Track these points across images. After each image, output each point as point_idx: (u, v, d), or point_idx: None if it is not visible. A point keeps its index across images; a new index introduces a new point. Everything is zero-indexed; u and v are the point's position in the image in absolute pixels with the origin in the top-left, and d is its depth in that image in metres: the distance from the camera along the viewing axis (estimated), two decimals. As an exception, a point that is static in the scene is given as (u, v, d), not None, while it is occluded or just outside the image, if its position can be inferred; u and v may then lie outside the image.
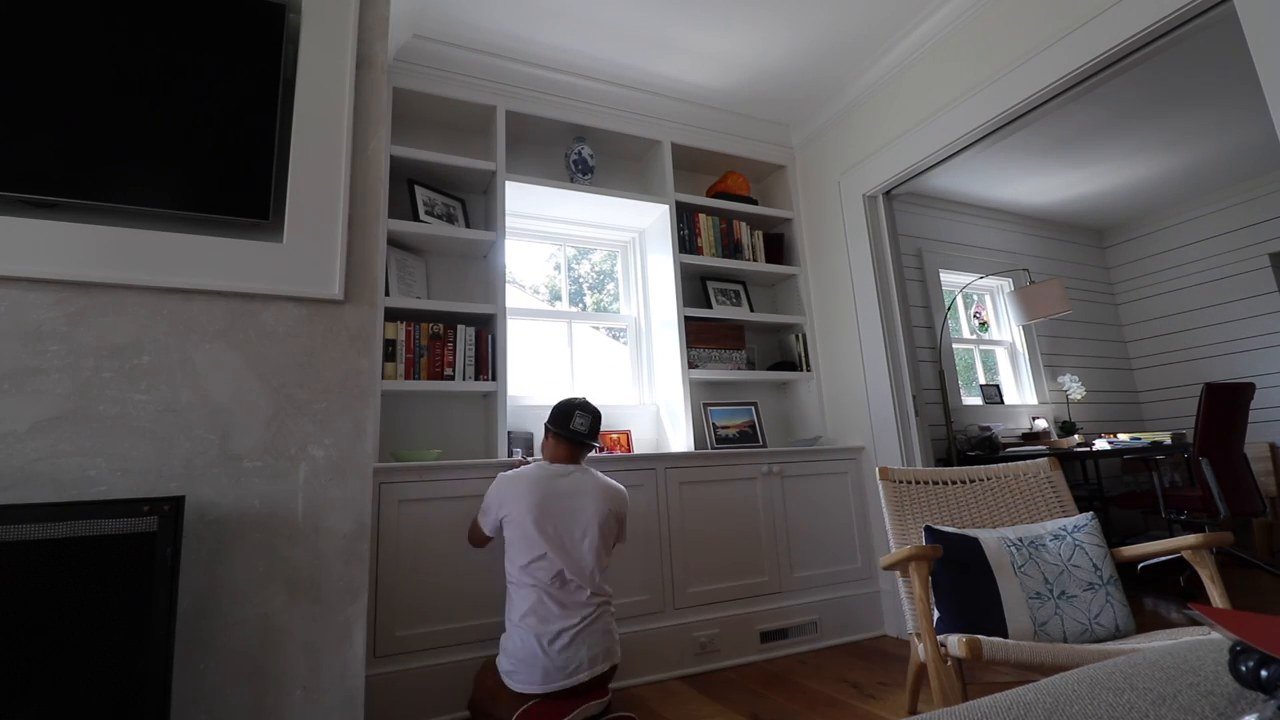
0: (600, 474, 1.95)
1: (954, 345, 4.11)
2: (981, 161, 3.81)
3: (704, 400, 2.92)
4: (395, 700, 1.87)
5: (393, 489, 2.01)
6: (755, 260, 3.13)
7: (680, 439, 2.71)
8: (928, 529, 1.64)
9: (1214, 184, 4.29)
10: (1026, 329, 4.37)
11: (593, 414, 1.95)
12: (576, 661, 1.66)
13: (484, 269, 2.65)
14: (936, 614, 1.53)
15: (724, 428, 2.86)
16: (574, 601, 1.73)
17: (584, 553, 1.78)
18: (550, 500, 1.80)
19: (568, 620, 1.70)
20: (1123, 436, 3.76)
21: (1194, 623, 1.80)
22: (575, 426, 1.90)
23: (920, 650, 1.55)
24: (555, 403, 2.00)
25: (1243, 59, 2.92)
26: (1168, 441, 3.54)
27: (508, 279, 2.54)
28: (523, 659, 1.67)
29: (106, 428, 1.43)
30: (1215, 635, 0.87)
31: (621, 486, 1.96)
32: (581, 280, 3.24)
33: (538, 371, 2.83)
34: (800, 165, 3.30)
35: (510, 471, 1.89)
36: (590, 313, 3.16)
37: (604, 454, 2.43)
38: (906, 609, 1.66)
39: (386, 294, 2.31)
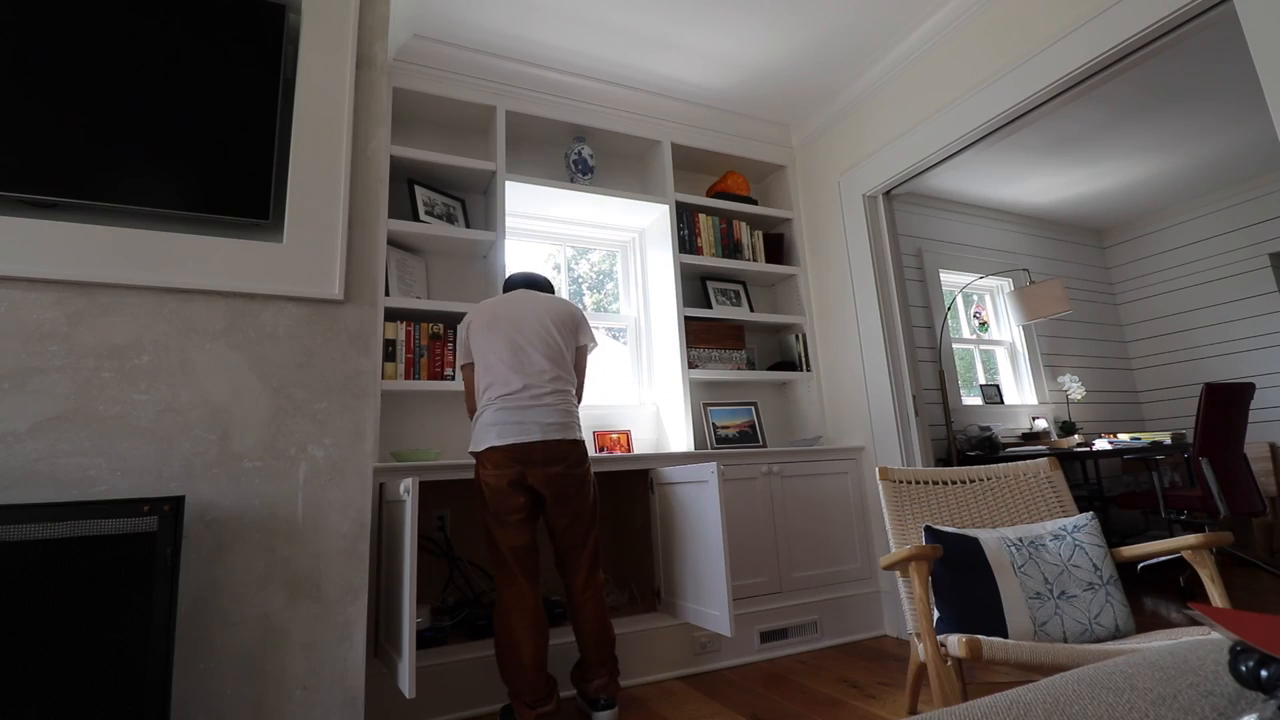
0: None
1: (954, 345, 4.11)
2: (981, 161, 3.81)
3: (704, 400, 2.92)
4: (396, 700, 1.87)
5: (393, 489, 2.00)
6: (755, 260, 3.13)
7: (680, 439, 2.71)
8: (928, 529, 1.64)
9: (1214, 184, 4.29)
10: (1026, 329, 4.37)
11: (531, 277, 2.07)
12: (529, 424, 1.78)
13: (484, 269, 2.65)
14: (936, 614, 1.53)
15: (724, 428, 2.86)
16: (530, 382, 1.82)
17: (539, 341, 1.87)
18: (501, 306, 1.92)
19: (522, 394, 1.80)
20: (1123, 436, 3.76)
21: (1194, 623, 1.80)
22: (514, 281, 2.06)
23: (920, 650, 1.55)
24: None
25: (1243, 59, 2.92)
26: (1168, 441, 3.55)
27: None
28: (481, 426, 1.81)
29: (106, 428, 1.43)
30: (1215, 635, 0.87)
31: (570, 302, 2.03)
32: (581, 280, 3.24)
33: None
34: (800, 165, 3.30)
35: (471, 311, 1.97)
36: (590, 312, 3.16)
37: (604, 454, 2.42)
38: (906, 609, 1.66)
39: (386, 294, 2.31)
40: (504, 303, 1.92)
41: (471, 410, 1.91)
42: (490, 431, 1.78)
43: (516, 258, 2.95)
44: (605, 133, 2.88)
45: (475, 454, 1.82)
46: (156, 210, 1.55)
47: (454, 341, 2.39)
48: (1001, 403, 4.11)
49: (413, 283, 2.48)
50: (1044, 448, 3.37)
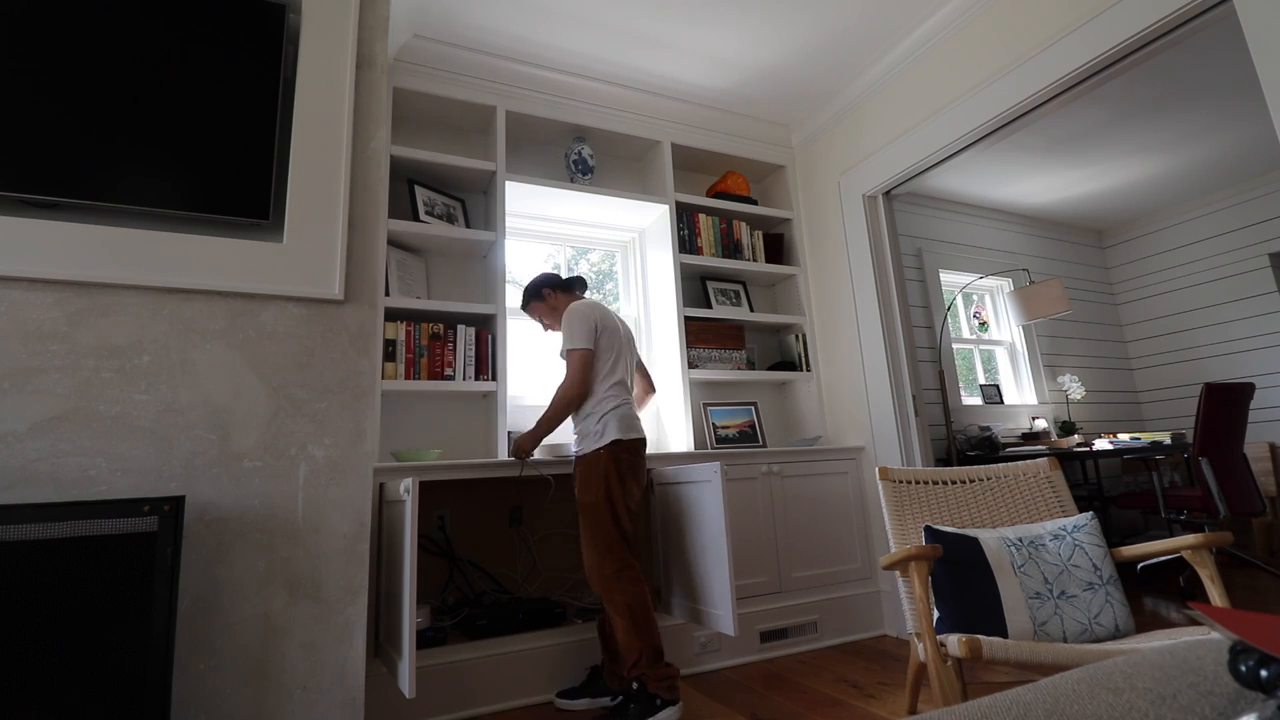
0: None
1: (954, 345, 4.11)
2: (981, 161, 3.81)
3: (704, 400, 2.92)
4: (396, 700, 1.87)
5: (393, 489, 2.00)
6: (755, 260, 3.13)
7: (680, 439, 2.71)
8: (928, 529, 1.64)
9: (1214, 184, 4.29)
10: (1026, 329, 4.37)
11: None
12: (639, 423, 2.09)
13: (484, 269, 2.65)
14: (936, 614, 1.53)
15: (724, 428, 2.86)
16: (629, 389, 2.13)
17: (629, 352, 2.15)
18: (599, 311, 2.11)
19: (630, 398, 2.10)
20: (1123, 436, 3.76)
21: (1194, 623, 1.80)
22: (581, 282, 2.28)
23: (920, 650, 1.55)
24: (542, 278, 2.24)
25: (1242, 59, 2.92)
26: (1168, 441, 3.55)
27: (508, 279, 2.54)
28: (610, 420, 1.98)
29: (106, 428, 1.43)
30: (1215, 635, 0.87)
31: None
32: (581, 280, 3.23)
33: (538, 371, 2.83)
34: (800, 165, 3.30)
35: (580, 304, 2.09)
36: (590, 313, 3.15)
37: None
38: (906, 609, 1.66)
39: (386, 294, 2.31)
40: (600, 308, 2.12)
41: (582, 397, 2.01)
42: (622, 424, 1.99)
43: (517, 257, 2.95)
44: (605, 133, 2.88)
45: (603, 447, 1.95)
46: (156, 210, 1.55)
47: (454, 342, 2.39)
48: (1001, 403, 4.11)
49: (413, 283, 2.48)
50: (1044, 448, 3.37)
